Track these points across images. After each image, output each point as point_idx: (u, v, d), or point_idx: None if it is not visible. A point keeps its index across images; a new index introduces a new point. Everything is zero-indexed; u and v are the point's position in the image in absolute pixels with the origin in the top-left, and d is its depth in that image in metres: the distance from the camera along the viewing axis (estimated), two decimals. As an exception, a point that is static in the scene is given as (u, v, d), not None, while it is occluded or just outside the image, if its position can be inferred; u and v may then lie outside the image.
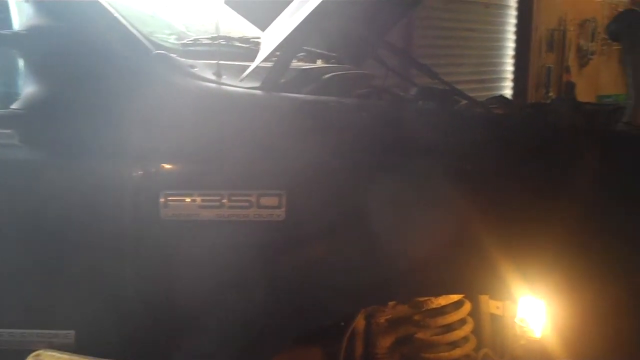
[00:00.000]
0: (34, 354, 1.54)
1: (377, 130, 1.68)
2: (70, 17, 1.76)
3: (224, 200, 1.60)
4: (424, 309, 1.93)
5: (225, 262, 1.63)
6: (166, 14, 2.23)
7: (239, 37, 2.13)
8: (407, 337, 1.96)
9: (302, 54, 2.35)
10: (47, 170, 1.69)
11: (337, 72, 2.01)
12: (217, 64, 1.78)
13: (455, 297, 1.93)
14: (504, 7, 5.61)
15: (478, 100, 2.37)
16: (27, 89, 1.71)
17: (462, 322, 1.97)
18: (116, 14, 1.78)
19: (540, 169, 1.78)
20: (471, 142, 1.77)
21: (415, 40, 4.47)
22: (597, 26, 6.52)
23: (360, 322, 1.92)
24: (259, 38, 2.17)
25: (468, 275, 1.77)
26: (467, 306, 1.97)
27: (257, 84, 1.75)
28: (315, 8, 1.72)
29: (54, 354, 1.55)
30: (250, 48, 2.03)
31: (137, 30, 1.79)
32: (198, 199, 1.60)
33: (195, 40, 2.00)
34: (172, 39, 1.99)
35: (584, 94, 6.23)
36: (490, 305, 2.01)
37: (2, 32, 1.72)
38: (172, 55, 1.77)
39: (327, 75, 1.92)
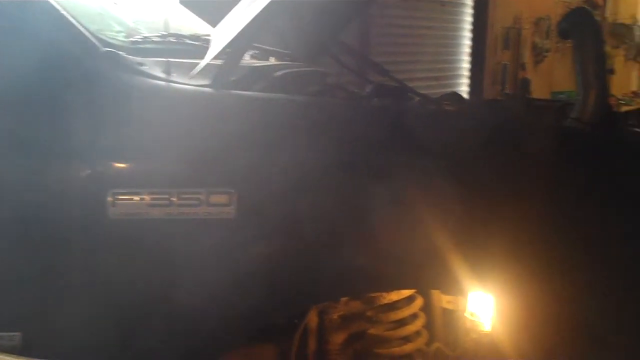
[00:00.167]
0: (-21, 356, 1.52)
1: (328, 127, 1.69)
2: (17, 14, 1.73)
3: (173, 199, 1.59)
4: (376, 305, 1.94)
5: (176, 261, 1.62)
6: (116, 11, 2.20)
7: (190, 35, 2.12)
8: (359, 333, 1.97)
9: (255, 51, 2.35)
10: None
11: (290, 70, 2.01)
12: (167, 61, 1.77)
13: (407, 292, 1.95)
14: (460, 5, 5.67)
15: (431, 97, 2.40)
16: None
17: (414, 317, 1.98)
18: (63, 12, 1.76)
19: (489, 165, 1.80)
20: (421, 139, 1.79)
21: (371, 38, 4.49)
22: (552, 24, 6.62)
23: (313, 319, 1.93)
24: (209, 35, 2.16)
25: (419, 270, 1.78)
26: (419, 301, 1.99)
27: (207, 82, 1.74)
28: (267, 5, 1.72)
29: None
30: (201, 45, 2.02)
31: (85, 27, 1.77)
32: (147, 197, 1.59)
33: (144, 38, 1.98)
34: (120, 37, 1.97)
35: (539, 91, 6.34)
36: (442, 299, 2.03)
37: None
38: (120, 53, 1.75)
39: (278, 73, 1.92)
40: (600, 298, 1.83)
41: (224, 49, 1.75)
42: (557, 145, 1.91)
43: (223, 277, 1.65)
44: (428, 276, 1.81)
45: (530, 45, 6.46)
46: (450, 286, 1.83)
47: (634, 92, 9.48)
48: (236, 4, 2.14)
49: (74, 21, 1.75)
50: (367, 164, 1.67)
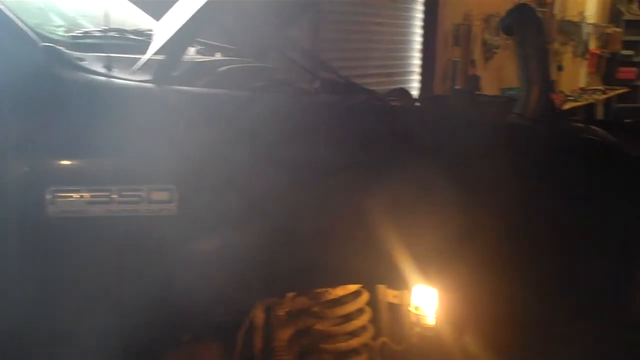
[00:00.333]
0: None
1: (270, 123, 1.68)
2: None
3: (113, 196, 1.57)
4: (322, 300, 1.94)
5: (117, 259, 1.60)
6: (59, 5, 2.16)
7: (133, 30, 2.09)
8: (306, 329, 1.97)
9: (201, 47, 2.33)
10: None
11: (233, 65, 2.00)
12: (108, 57, 1.74)
13: (353, 288, 1.96)
14: (411, 1, 5.71)
15: (377, 93, 2.41)
16: None
17: (360, 311, 1.99)
18: (1, 5, 1.72)
19: (432, 159, 1.82)
20: (365, 134, 1.80)
21: (322, 34, 4.48)
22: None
23: (259, 316, 1.92)
24: (152, 30, 2.14)
25: (365, 265, 1.80)
26: (365, 296, 2.00)
27: (149, 77, 1.72)
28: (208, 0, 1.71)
29: None
30: (143, 40, 1.99)
31: (23, 22, 1.73)
32: (86, 195, 1.57)
33: (85, 32, 1.95)
34: (60, 31, 1.93)
35: (488, 87, 6.42)
36: (388, 294, 2.04)
37: None
38: (59, 47, 1.72)
39: (222, 68, 1.90)
40: (543, 291, 1.86)
41: (165, 43, 1.73)
42: (500, 140, 1.94)
43: (165, 274, 1.64)
44: (374, 271, 1.82)
45: (480, 42, 6.54)
46: (396, 280, 1.85)
47: (582, 89, 9.69)
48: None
49: (11, 15, 1.71)
50: (309, 160, 1.67)
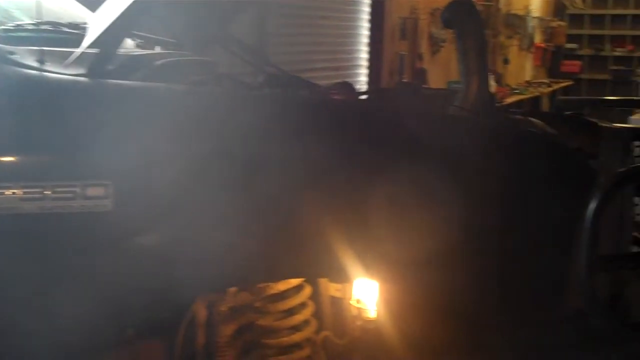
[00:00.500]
0: None
1: (208, 116, 1.66)
2: None
3: (47, 192, 1.53)
4: (264, 295, 1.94)
5: (51, 257, 1.57)
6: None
7: (67, 23, 2.05)
8: (248, 324, 1.96)
9: (140, 40, 2.30)
10: None
11: (171, 59, 1.97)
12: (40, 50, 1.70)
13: (295, 282, 1.96)
14: (358, -5, 5.73)
15: (320, 87, 2.41)
16: None
17: (303, 306, 1.99)
18: None
19: (373, 152, 1.83)
20: (306, 127, 1.80)
21: (268, 29, 4.47)
22: (448, 15, 6.71)
23: (201, 312, 1.91)
24: (87, 23, 2.09)
25: (307, 259, 1.79)
26: (308, 290, 2.00)
27: (83, 71, 1.69)
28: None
29: None
30: (78, 33, 1.95)
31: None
32: (19, 191, 1.53)
33: (17, 25, 1.90)
34: (-10, 25, 1.88)
35: (436, 80, 6.48)
36: (330, 288, 2.05)
37: None
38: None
39: (159, 62, 1.88)
40: (482, 282, 1.89)
41: (99, 36, 1.70)
42: (439, 131, 1.96)
43: (102, 271, 1.61)
44: (316, 265, 1.82)
45: (427, 35, 6.59)
46: (338, 274, 1.85)
47: (527, 82, 9.85)
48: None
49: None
50: (248, 153, 1.66)
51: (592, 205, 1.80)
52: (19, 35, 1.84)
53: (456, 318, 1.85)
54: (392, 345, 1.95)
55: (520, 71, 9.97)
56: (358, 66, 5.77)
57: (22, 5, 2.15)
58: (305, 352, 2.00)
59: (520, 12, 9.47)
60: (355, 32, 5.69)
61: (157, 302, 1.71)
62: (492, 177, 1.86)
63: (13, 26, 1.89)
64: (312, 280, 2.00)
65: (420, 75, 6.30)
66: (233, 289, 1.92)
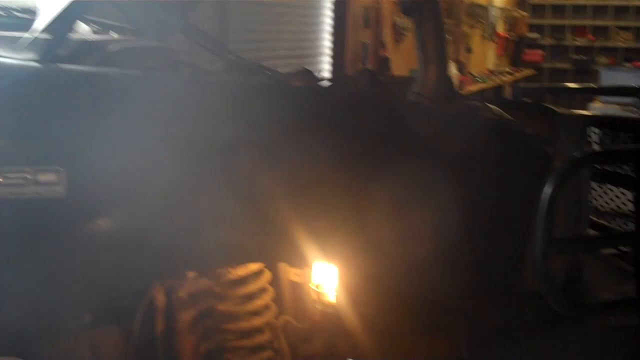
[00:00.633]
0: None
1: (162, 102, 1.65)
2: None
3: (-3, 178, 1.51)
4: (224, 280, 1.94)
5: (3, 243, 1.55)
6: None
7: (18, 7, 2.01)
8: (208, 310, 1.96)
9: (96, 26, 2.27)
10: None
11: (126, 45, 1.95)
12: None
13: (254, 267, 1.96)
14: (321, -17, 5.71)
15: (280, 73, 2.40)
16: None
17: (263, 290, 2.00)
18: None
19: (331, 137, 1.83)
20: (264, 113, 1.79)
21: (229, 16, 4.44)
22: (411, 4, 6.72)
23: (159, 298, 1.90)
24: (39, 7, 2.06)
25: (265, 243, 1.79)
26: (267, 275, 2.00)
27: (34, 56, 1.66)
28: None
29: None
30: (30, 19, 1.92)
31: None
32: (-32, 178, 1.50)
33: (-34, 10, 1.87)
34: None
35: (399, 68, 6.50)
36: (290, 272, 2.05)
37: None
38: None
39: (113, 47, 1.85)
40: (441, 265, 1.90)
41: (51, 21, 1.67)
42: (397, 118, 1.97)
43: (58, 258, 1.59)
44: (274, 249, 1.82)
45: (390, 24, 6.61)
46: (297, 258, 1.85)
47: (490, 70, 9.93)
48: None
49: None
50: (203, 138, 1.65)
51: (547, 189, 1.82)
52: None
53: (415, 301, 1.87)
54: (352, 329, 1.97)
55: (483, 60, 10.05)
56: (321, 54, 5.77)
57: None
58: (266, 336, 2.01)
59: (483, 2, 9.53)
60: (319, 21, 5.68)
61: (113, 288, 1.70)
62: (447, 161, 1.88)
63: (-38, 11, 1.85)
64: (271, 265, 2.01)
65: (383, 63, 6.31)
66: (192, 275, 1.91)
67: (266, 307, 2.00)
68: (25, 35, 1.73)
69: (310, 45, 5.62)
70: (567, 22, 11.53)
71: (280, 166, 1.76)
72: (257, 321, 1.97)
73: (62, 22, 1.67)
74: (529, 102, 2.92)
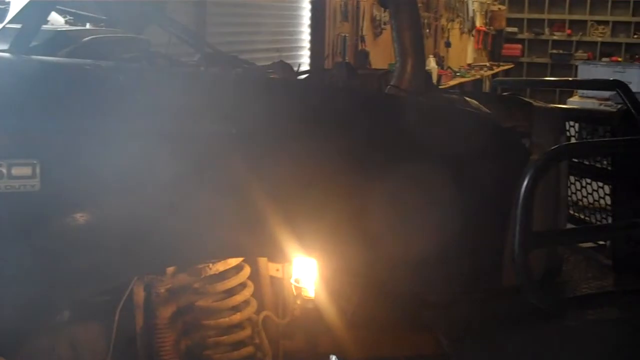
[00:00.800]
0: None
1: (135, 93, 1.61)
2: None
3: (-31, 172, 1.47)
4: (203, 276, 1.91)
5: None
6: None
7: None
8: (188, 306, 1.94)
9: (70, 17, 2.23)
10: None
11: (99, 36, 1.92)
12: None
13: (234, 262, 1.93)
14: (299, -23, 5.69)
15: (256, 66, 2.38)
16: None
17: (243, 286, 1.97)
18: None
19: (308, 130, 1.80)
20: (242, 106, 1.76)
21: (209, 9, 4.40)
22: (390, -3, 6.71)
23: (139, 294, 1.87)
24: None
25: (245, 238, 1.77)
26: (247, 270, 1.98)
27: (5, 47, 1.63)
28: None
29: None
30: (2, 9, 1.88)
31: None
32: (-61, 171, 1.46)
33: (-63, -1, 1.82)
34: None
35: (378, 62, 6.49)
36: (270, 267, 2.03)
37: None
38: None
39: (86, 38, 1.82)
40: (420, 259, 1.89)
41: (21, 11, 1.64)
42: (373, 110, 1.95)
43: (32, 254, 1.56)
44: (254, 244, 1.79)
45: (369, 17, 6.60)
46: (277, 254, 1.83)
47: (469, 65, 9.97)
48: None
49: None
50: (180, 131, 1.62)
51: (524, 183, 1.81)
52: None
53: (396, 296, 1.86)
54: (332, 323, 1.95)
55: (462, 54, 10.08)
56: (300, 48, 5.74)
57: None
58: (246, 332, 1.99)
59: (462, -4, 9.56)
60: (297, 14, 5.65)
61: (91, 284, 1.67)
62: (425, 154, 1.86)
63: None
64: (251, 261, 1.98)
65: (362, 57, 6.30)
66: (171, 270, 1.89)
67: (246, 303, 1.98)
68: (-3, 25, 1.70)
69: (288, 38, 5.60)
70: (544, 16, 11.59)
71: (258, 159, 1.73)
72: (237, 317, 1.95)
73: (33, 13, 1.63)
74: (507, 95, 2.92)
